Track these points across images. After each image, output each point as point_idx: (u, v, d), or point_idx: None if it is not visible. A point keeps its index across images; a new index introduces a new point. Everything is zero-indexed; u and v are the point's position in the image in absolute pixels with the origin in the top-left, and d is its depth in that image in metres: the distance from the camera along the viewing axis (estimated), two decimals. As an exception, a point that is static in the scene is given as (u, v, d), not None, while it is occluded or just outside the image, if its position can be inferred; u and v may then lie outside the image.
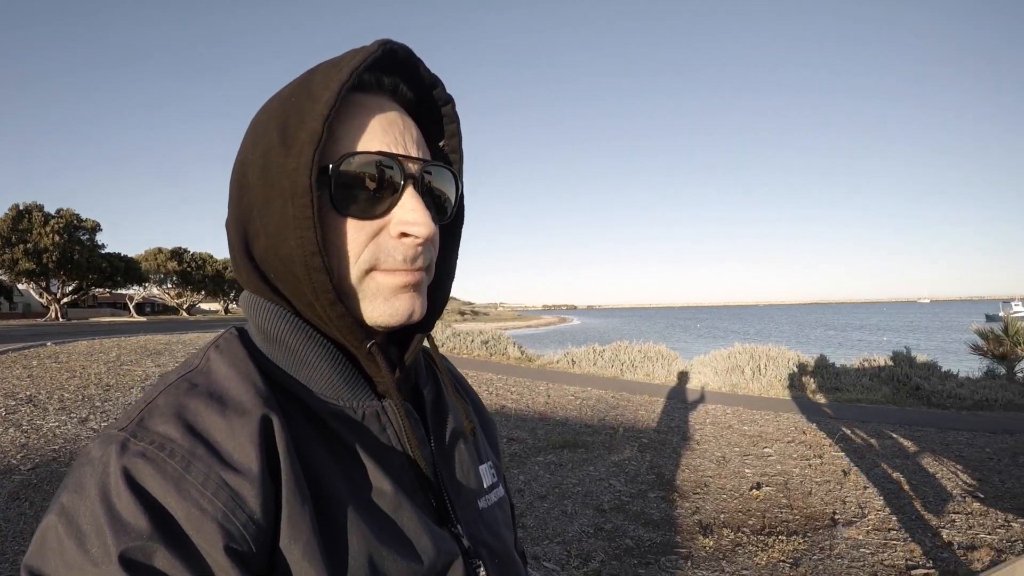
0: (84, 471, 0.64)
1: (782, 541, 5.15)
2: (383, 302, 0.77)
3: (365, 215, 0.75)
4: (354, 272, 0.76)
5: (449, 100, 0.86)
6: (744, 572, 4.62)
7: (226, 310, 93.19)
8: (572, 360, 17.30)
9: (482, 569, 0.84)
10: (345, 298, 0.76)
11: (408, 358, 0.86)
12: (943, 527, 5.48)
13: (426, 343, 0.93)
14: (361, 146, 0.75)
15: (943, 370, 14.83)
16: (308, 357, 0.77)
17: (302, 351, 0.77)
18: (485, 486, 0.95)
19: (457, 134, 0.89)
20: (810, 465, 7.51)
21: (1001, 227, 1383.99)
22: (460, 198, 0.88)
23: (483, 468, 0.96)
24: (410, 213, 0.76)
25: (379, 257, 0.76)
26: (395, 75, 0.81)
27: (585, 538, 5.16)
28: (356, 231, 0.75)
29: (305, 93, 0.73)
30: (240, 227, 0.78)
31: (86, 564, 0.58)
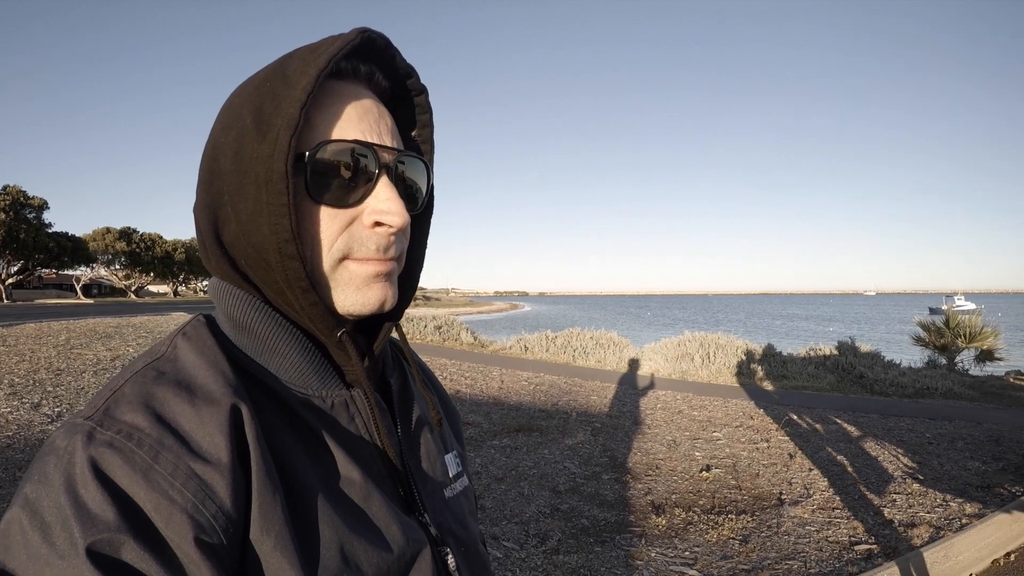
0: (48, 461, 0.63)
1: (731, 520, 5.29)
2: (355, 291, 0.77)
3: (340, 203, 0.75)
4: (327, 260, 0.75)
5: (423, 90, 0.86)
6: (696, 549, 4.75)
7: (175, 292, 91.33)
8: (525, 346, 17.36)
9: (450, 557, 0.85)
10: (317, 286, 0.75)
11: (377, 347, 0.86)
12: (885, 506, 5.68)
13: (394, 334, 0.95)
14: (337, 134, 0.74)
15: (886, 360, 15.21)
16: (278, 345, 0.77)
17: (272, 339, 0.77)
18: (451, 475, 0.95)
19: (429, 124, 0.90)
20: (758, 448, 7.69)
21: (947, 223, 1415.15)
22: (431, 189, 0.88)
23: (448, 458, 0.97)
24: (384, 203, 0.76)
25: (352, 246, 0.76)
26: (371, 63, 0.81)
27: (542, 518, 5.25)
28: (330, 219, 0.75)
29: (281, 78, 0.72)
30: (210, 212, 0.76)
31: (52, 557, 0.57)
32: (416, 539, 0.79)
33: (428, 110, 0.88)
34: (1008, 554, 4.88)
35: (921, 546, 4.70)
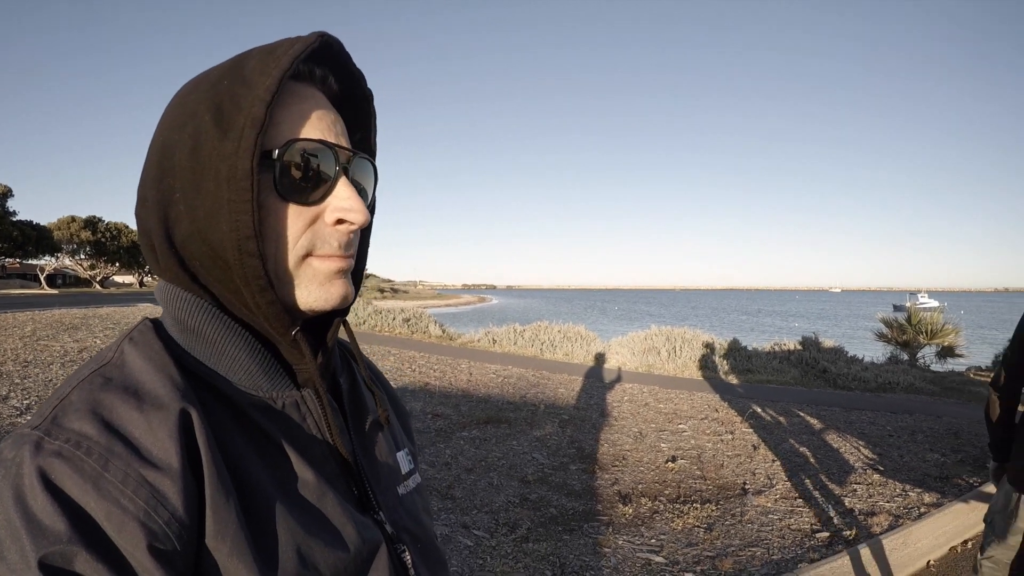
0: None
1: (696, 508, 5.37)
2: (318, 287, 0.78)
3: (305, 201, 0.75)
4: (291, 257, 0.75)
5: (371, 95, 0.88)
6: (662, 536, 4.82)
7: (141, 283, 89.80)
8: (493, 339, 17.36)
9: (407, 555, 0.86)
10: (276, 283, 0.76)
11: (329, 341, 0.86)
12: (846, 496, 5.79)
13: (342, 334, 0.94)
14: (301, 133, 0.76)
15: (849, 355, 15.39)
16: (227, 347, 0.76)
17: (220, 342, 0.76)
18: (403, 472, 0.97)
19: (374, 128, 0.91)
20: (722, 440, 7.79)
21: (911, 223, 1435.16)
22: (375, 190, 0.90)
23: (400, 455, 0.98)
24: (346, 201, 0.77)
25: (316, 243, 0.77)
26: (325, 67, 0.82)
27: (511, 507, 5.29)
28: (295, 217, 0.75)
29: (238, 78, 0.73)
30: (160, 210, 0.75)
31: (4, 572, 0.56)
32: (372, 538, 0.80)
33: (374, 114, 0.90)
34: (965, 542, 5.03)
35: (881, 534, 4.80)
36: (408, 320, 19.23)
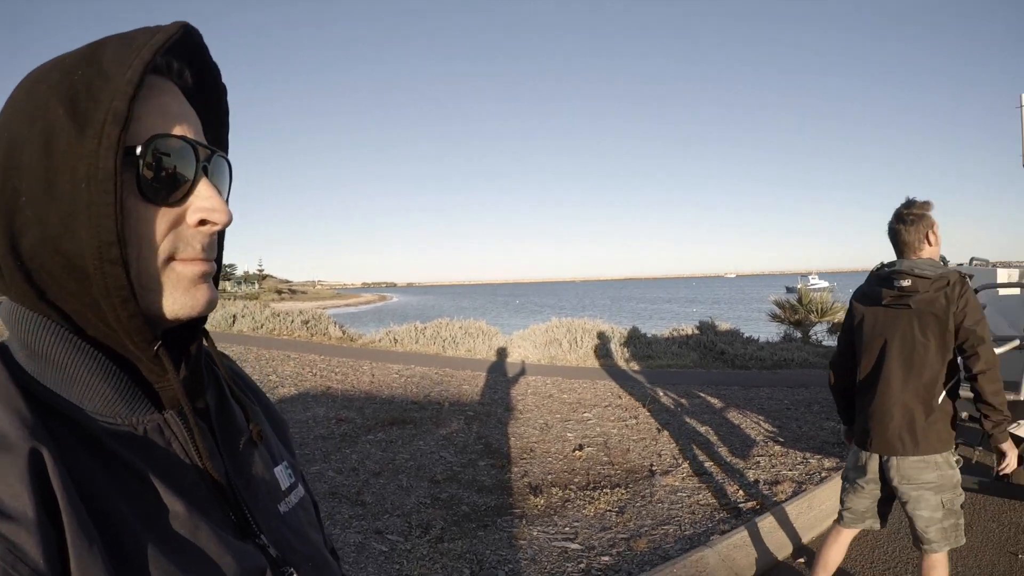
0: None
1: (607, 493, 5.41)
2: (183, 293, 0.72)
3: (168, 202, 0.70)
4: (156, 263, 0.70)
5: (225, 90, 0.84)
6: (575, 523, 4.84)
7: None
8: (394, 338, 17.15)
9: None
10: (140, 292, 0.69)
11: (193, 349, 0.81)
12: (750, 468, 5.95)
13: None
14: (162, 129, 0.71)
15: (745, 336, 15.91)
16: (78, 372, 0.69)
17: (71, 366, 0.69)
18: (283, 488, 0.91)
19: (226, 124, 0.87)
20: (627, 425, 7.89)
21: (803, 208, 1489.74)
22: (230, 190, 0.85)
23: (279, 470, 0.92)
24: (209, 200, 0.73)
25: (178, 246, 0.71)
26: (181, 60, 0.77)
27: (423, 508, 5.21)
28: (159, 219, 0.70)
29: (94, 69, 0.67)
30: (4, 219, 0.67)
31: None
32: (254, 565, 0.74)
33: (227, 111, 0.86)
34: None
35: (785, 500, 4.96)
36: (307, 322, 18.82)
